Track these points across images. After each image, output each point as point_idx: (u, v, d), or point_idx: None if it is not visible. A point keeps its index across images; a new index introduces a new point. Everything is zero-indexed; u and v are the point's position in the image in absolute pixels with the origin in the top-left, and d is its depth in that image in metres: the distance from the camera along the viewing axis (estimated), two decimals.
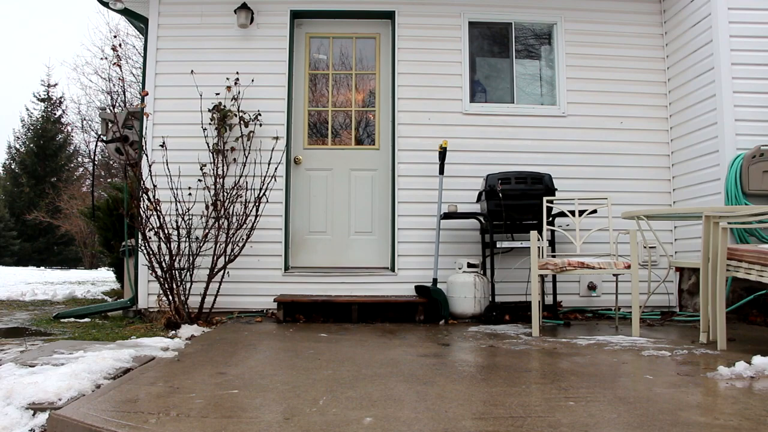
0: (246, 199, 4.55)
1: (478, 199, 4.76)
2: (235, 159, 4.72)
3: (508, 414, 1.89)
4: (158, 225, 4.27)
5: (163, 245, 4.26)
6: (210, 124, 4.74)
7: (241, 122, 4.74)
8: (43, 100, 26.04)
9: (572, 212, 4.32)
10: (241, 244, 4.47)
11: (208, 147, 4.68)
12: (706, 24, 4.57)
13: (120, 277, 6.91)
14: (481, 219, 4.71)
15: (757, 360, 2.51)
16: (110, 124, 5.22)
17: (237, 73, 4.85)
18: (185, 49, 5.00)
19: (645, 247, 4.47)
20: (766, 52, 4.44)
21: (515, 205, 4.46)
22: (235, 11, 4.97)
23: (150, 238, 4.27)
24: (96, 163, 15.31)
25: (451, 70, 5.09)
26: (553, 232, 4.55)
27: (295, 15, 5.15)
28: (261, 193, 4.56)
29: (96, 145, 9.21)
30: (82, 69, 34.79)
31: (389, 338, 3.61)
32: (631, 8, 5.21)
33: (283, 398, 2.12)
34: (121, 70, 4.88)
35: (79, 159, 25.44)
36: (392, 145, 5.05)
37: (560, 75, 5.15)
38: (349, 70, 5.33)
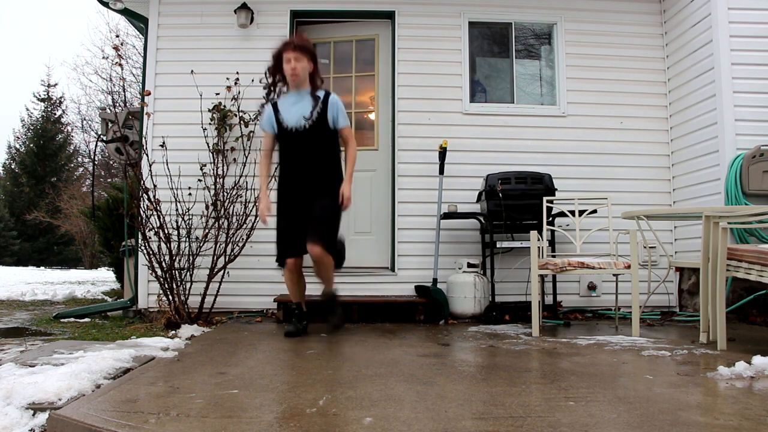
0: (246, 199, 4.55)
1: (478, 199, 4.76)
2: (235, 159, 4.72)
3: (508, 414, 1.89)
4: (158, 225, 4.27)
5: (163, 245, 4.26)
6: (210, 124, 4.74)
7: (241, 122, 4.74)
8: (43, 100, 26.08)
9: (572, 212, 4.32)
10: (241, 244, 4.47)
11: (208, 147, 4.68)
12: (706, 24, 4.57)
13: (120, 277, 6.92)
14: (481, 219, 4.71)
15: (757, 360, 2.51)
16: (110, 124, 5.23)
17: (237, 73, 4.85)
18: (185, 49, 5.00)
19: (645, 247, 4.46)
20: (766, 52, 4.44)
21: (515, 205, 4.46)
22: (235, 11, 4.97)
23: (150, 238, 4.27)
24: (96, 163, 15.30)
25: (451, 70, 5.09)
26: (553, 232, 4.55)
27: (295, 15, 5.15)
28: None
29: (96, 145, 9.22)
30: (82, 69, 34.90)
31: (389, 338, 3.61)
32: (631, 8, 5.21)
33: (283, 398, 2.12)
34: (122, 70, 4.89)
35: (79, 159, 25.50)
36: (392, 145, 5.05)
37: (560, 75, 5.15)
38: (349, 73, 5.31)
